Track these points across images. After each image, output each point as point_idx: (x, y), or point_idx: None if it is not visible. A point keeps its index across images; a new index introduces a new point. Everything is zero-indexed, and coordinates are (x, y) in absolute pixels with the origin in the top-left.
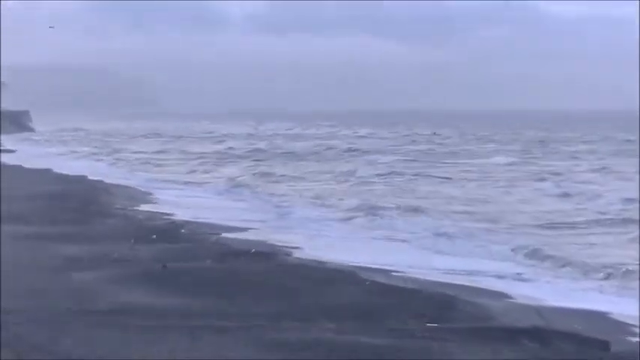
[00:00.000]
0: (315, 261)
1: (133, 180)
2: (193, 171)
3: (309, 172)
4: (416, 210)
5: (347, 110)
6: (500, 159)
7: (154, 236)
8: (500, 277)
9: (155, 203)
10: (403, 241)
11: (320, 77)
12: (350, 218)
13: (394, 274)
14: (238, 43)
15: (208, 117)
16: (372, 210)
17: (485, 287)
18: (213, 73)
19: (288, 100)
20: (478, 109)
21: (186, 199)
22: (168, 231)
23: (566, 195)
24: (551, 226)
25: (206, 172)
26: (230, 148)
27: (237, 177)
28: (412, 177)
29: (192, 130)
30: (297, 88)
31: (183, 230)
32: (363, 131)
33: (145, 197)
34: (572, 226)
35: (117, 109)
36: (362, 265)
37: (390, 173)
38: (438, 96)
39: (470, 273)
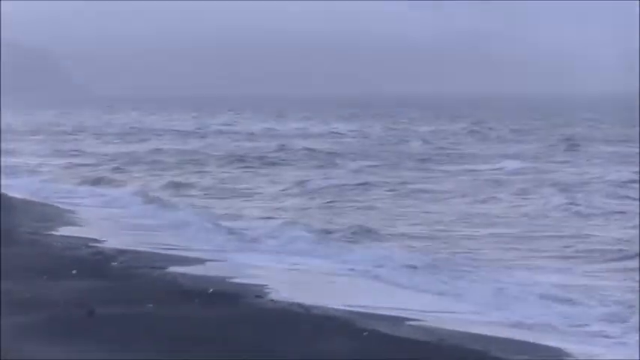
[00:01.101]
0: (295, 304)
1: (43, 192)
2: (106, 180)
3: (254, 183)
4: (373, 234)
5: (329, 96)
6: (510, 163)
7: (75, 271)
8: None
9: (76, 225)
10: (366, 274)
11: (303, 56)
12: (294, 241)
13: (394, 320)
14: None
15: (145, 104)
16: (320, 234)
17: (520, 339)
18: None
19: (259, 84)
20: (496, 91)
21: (113, 220)
22: (95, 264)
23: (578, 214)
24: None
25: (121, 182)
26: (156, 149)
27: (164, 188)
28: (389, 190)
29: (110, 124)
30: (271, 70)
31: (115, 263)
32: (341, 126)
33: (61, 216)
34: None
35: (26, 93)
36: (352, 309)
37: (361, 184)
38: (447, 79)
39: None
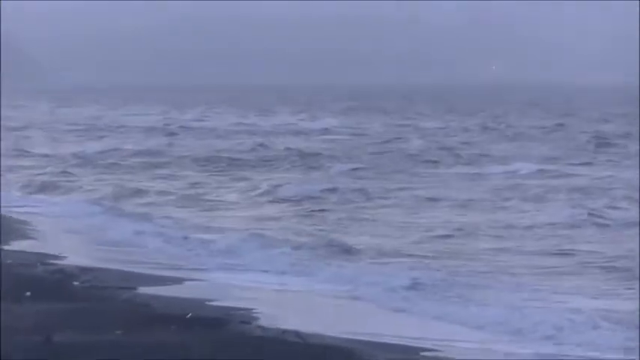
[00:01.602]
0: (288, 332)
1: None
2: (54, 186)
3: (222, 189)
4: (351, 249)
5: (329, 86)
6: (524, 166)
7: (29, 293)
8: None
9: (29, 238)
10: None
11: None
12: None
13: (406, 350)
14: None
15: (111, 96)
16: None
17: None
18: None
19: (247, 72)
20: (523, 80)
21: (72, 233)
22: (54, 284)
23: (595, 225)
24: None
25: (72, 188)
26: (113, 149)
27: (121, 195)
28: (374, 197)
29: (64, 119)
30: (262, 56)
31: (76, 283)
32: (335, 122)
33: (11, 228)
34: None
35: None
36: (354, 337)
37: (342, 190)
38: (467, 66)
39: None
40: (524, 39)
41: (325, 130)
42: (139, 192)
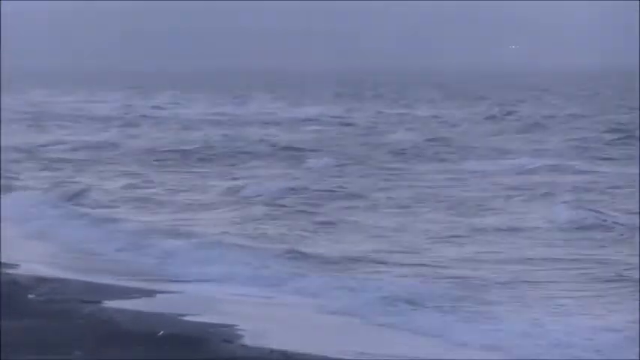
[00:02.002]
0: (276, 352)
1: None
2: None
3: (180, 187)
4: (311, 259)
5: (315, 69)
6: (529, 161)
7: None
8: None
9: None
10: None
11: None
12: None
13: None
14: None
15: (66, 80)
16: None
17: None
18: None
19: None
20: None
21: (22, 237)
22: (7, 297)
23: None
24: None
25: (11, 184)
26: (60, 142)
27: (65, 193)
28: (346, 197)
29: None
30: (248, 35)
31: (32, 295)
32: (321, 110)
33: None
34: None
35: None
36: (348, 357)
37: (305, 190)
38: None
39: None
40: (533, 24)
41: (308, 120)
42: (86, 190)
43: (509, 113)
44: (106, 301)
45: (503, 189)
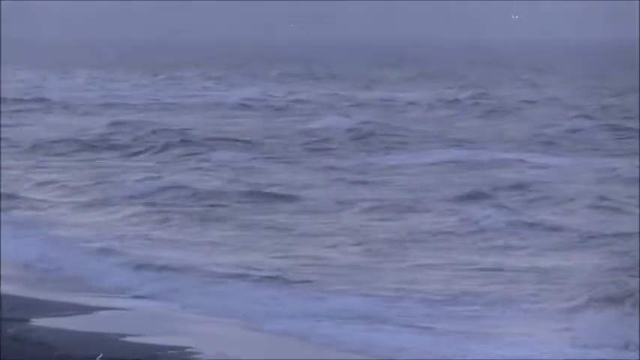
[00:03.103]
0: None
1: None
2: None
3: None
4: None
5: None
6: (457, 154)
7: None
8: None
9: None
10: None
11: None
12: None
13: None
14: None
15: None
16: None
17: None
18: None
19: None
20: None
21: None
22: None
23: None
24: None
25: None
26: None
27: None
28: (250, 201)
29: None
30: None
31: None
32: (248, 92)
33: None
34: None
35: None
36: None
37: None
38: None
39: None
40: None
41: (239, 103)
42: None
43: (480, 96)
44: (35, 319)
45: (407, 191)
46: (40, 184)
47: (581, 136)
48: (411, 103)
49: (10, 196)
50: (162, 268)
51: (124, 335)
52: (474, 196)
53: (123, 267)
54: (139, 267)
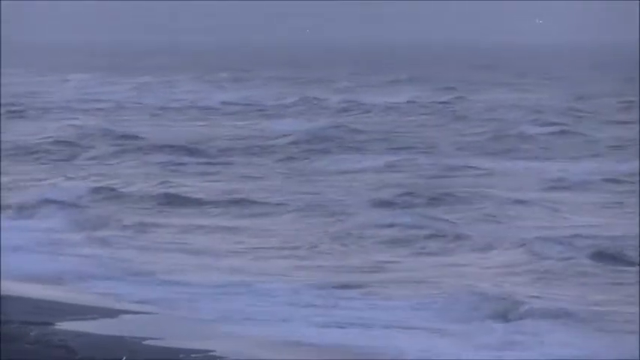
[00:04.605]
0: None
1: None
2: None
3: None
4: None
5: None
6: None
7: None
8: None
9: None
10: None
11: None
12: None
13: None
14: None
15: None
16: None
17: None
18: None
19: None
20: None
21: None
22: None
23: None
24: None
25: None
26: None
27: None
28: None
29: None
30: None
31: None
32: (228, 95)
33: None
34: None
35: None
36: None
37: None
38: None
39: None
40: None
41: (208, 108)
42: None
43: (456, 100)
44: (59, 323)
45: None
46: None
47: (539, 141)
48: (388, 108)
49: None
50: None
51: (146, 339)
52: (391, 202)
53: None
54: None
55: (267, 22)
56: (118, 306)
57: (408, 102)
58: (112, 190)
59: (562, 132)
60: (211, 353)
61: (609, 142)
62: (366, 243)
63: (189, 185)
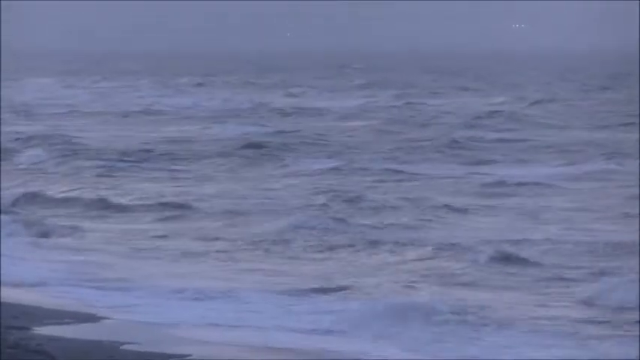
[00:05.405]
0: None
1: None
2: None
3: None
4: None
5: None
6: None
7: None
8: None
9: None
10: None
11: None
12: None
13: None
14: None
15: None
16: None
17: None
18: None
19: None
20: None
21: None
22: None
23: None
24: None
25: None
26: None
27: None
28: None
29: None
30: None
31: None
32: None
33: None
34: None
35: None
36: None
37: None
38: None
39: None
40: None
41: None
42: None
43: (406, 105)
44: (36, 327)
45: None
46: None
47: (481, 146)
48: (338, 112)
49: None
50: None
51: (124, 343)
52: (316, 205)
53: None
54: None
55: (243, 25)
56: (94, 311)
57: (358, 106)
58: (42, 195)
59: (501, 139)
60: (188, 357)
61: (556, 147)
62: (281, 248)
63: (121, 190)
